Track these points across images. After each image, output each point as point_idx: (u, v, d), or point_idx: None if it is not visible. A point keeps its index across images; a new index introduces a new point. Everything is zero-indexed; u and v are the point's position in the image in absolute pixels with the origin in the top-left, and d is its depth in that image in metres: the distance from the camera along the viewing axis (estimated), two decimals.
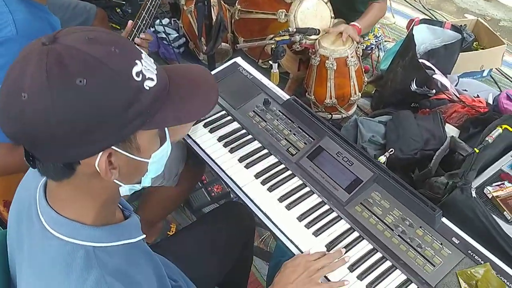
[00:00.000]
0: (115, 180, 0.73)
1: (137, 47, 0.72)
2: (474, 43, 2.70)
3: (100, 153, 0.68)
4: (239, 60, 1.67)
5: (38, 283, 0.75)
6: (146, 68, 0.69)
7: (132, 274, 0.78)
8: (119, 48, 0.66)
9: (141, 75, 0.67)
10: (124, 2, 2.28)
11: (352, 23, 2.37)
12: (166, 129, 0.79)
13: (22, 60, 0.65)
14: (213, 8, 2.33)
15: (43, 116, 0.62)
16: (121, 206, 0.90)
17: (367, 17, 2.43)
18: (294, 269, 1.07)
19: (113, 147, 0.69)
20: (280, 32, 2.13)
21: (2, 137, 1.11)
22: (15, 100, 0.63)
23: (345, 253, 1.15)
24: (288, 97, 1.53)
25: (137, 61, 0.68)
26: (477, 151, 1.43)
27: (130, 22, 1.45)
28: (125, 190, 0.80)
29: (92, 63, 0.63)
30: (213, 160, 1.38)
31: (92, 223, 0.76)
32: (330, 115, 2.45)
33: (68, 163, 0.69)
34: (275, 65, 2.12)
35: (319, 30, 2.25)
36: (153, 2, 1.49)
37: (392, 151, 1.70)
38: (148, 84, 0.68)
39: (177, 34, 2.78)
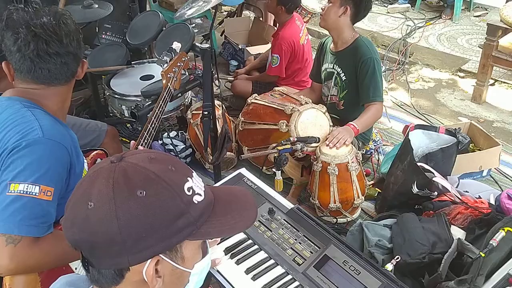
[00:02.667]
0: None
1: (189, 168, 0.82)
2: (471, 144, 2.80)
3: (149, 260, 0.73)
4: (243, 171, 1.74)
5: None
6: (196, 185, 0.78)
7: None
8: (175, 167, 0.77)
9: (191, 190, 0.76)
10: (134, 120, 2.45)
11: (350, 122, 2.48)
12: (207, 242, 0.86)
13: (92, 175, 0.75)
14: (218, 120, 2.48)
15: (105, 223, 0.70)
16: None
17: (365, 117, 2.54)
18: None
19: (160, 255, 0.74)
20: (282, 141, 2.25)
21: (23, 230, 1.16)
22: (82, 208, 0.72)
23: None
24: (292, 205, 1.56)
25: (188, 178, 0.77)
26: (483, 255, 1.43)
27: (132, 142, 1.59)
28: None
29: (152, 178, 0.73)
30: (219, 272, 1.37)
31: None
32: (335, 219, 2.47)
33: (119, 269, 0.74)
34: (278, 173, 2.20)
35: (319, 138, 2.37)
36: (154, 126, 1.64)
37: (398, 258, 1.69)
38: (196, 198, 0.77)
39: (184, 145, 2.91)
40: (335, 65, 2.72)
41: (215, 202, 0.82)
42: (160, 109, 1.72)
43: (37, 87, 1.35)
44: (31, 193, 1.19)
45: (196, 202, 0.77)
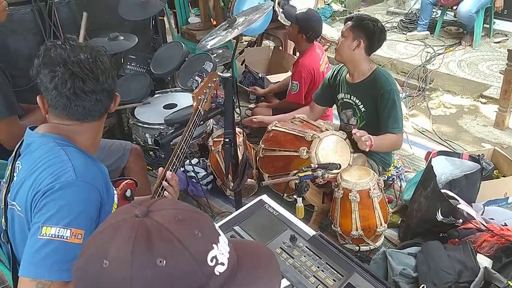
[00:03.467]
0: None
1: (217, 228, 0.76)
2: (495, 171, 2.75)
3: None
4: (264, 197, 1.74)
5: None
6: (220, 252, 0.72)
7: None
8: (201, 232, 0.71)
9: (214, 260, 0.70)
10: (157, 148, 2.49)
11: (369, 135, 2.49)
12: None
13: (114, 226, 0.70)
14: (239, 147, 2.50)
15: (117, 287, 0.66)
16: None
17: (382, 138, 2.53)
18: None
19: None
20: (303, 168, 2.25)
21: (54, 275, 1.17)
22: (96, 264, 0.67)
23: None
24: (314, 232, 1.56)
25: (214, 245, 0.71)
26: None
27: (160, 169, 1.57)
28: None
29: (175, 245, 0.67)
30: None
31: None
32: (358, 247, 2.44)
33: None
34: (299, 199, 2.19)
35: (340, 164, 2.36)
36: (183, 150, 1.63)
37: (424, 287, 1.66)
38: (219, 269, 0.71)
39: (205, 172, 2.94)
40: (352, 96, 2.73)
41: (237, 268, 0.76)
42: (190, 133, 1.68)
43: (71, 123, 1.36)
44: (62, 236, 1.19)
45: (218, 273, 0.70)
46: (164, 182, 1.51)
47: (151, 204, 0.72)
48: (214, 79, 1.94)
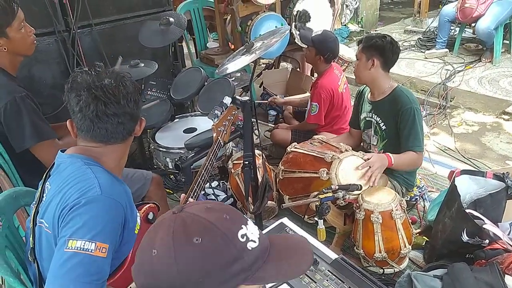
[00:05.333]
0: None
1: (244, 216, 0.88)
2: None
3: None
4: (285, 220, 1.74)
5: None
6: (250, 232, 0.84)
7: None
8: (229, 215, 0.84)
9: (245, 237, 0.82)
10: (178, 172, 2.52)
11: (388, 153, 2.49)
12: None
13: (156, 225, 0.84)
14: (258, 169, 2.50)
15: (166, 268, 0.78)
16: None
17: (403, 156, 2.54)
18: None
19: None
20: (323, 189, 2.24)
21: (78, 287, 1.19)
22: (147, 255, 0.80)
23: None
24: (336, 255, 1.54)
25: (243, 226, 0.84)
26: None
27: (182, 195, 1.61)
28: None
29: (207, 226, 0.80)
30: None
31: None
32: (382, 270, 2.39)
33: None
34: (320, 221, 2.17)
35: (361, 185, 2.34)
36: (203, 178, 1.67)
37: None
38: (251, 245, 0.82)
39: (225, 195, 2.94)
40: (373, 114, 2.73)
41: (270, 248, 0.86)
42: (210, 162, 1.75)
43: (96, 145, 1.43)
44: (87, 250, 1.23)
45: (250, 248, 0.81)
46: None
47: (185, 204, 0.88)
48: (233, 112, 2.00)
